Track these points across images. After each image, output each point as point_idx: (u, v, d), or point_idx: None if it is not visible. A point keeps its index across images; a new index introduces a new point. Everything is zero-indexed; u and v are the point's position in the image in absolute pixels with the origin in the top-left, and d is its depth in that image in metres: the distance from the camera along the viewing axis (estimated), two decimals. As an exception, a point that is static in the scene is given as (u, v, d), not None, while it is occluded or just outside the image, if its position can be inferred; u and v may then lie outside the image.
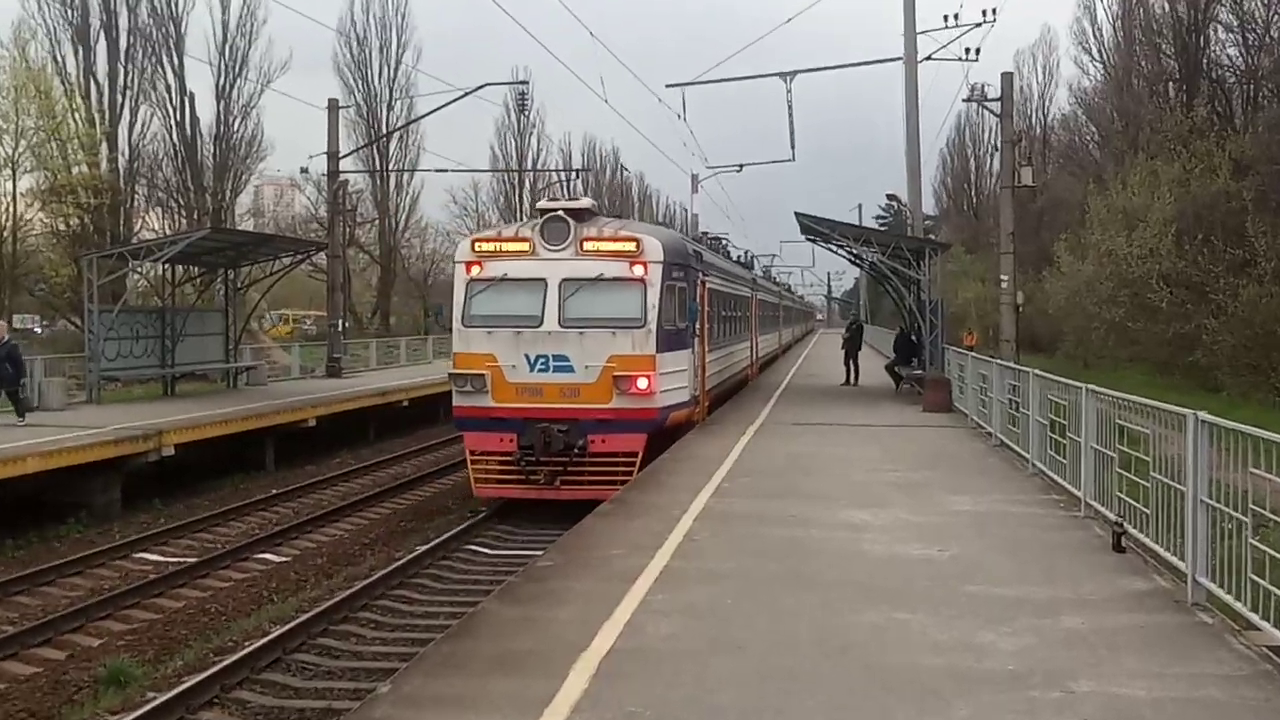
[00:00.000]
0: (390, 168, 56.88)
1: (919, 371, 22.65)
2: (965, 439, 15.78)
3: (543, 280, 15.80)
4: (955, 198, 74.71)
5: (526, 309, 15.79)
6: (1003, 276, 24.35)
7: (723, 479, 12.05)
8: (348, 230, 43.64)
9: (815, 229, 22.51)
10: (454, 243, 65.25)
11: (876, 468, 12.83)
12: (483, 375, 15.61)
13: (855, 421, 17.96)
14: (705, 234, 28.09)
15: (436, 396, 27.33)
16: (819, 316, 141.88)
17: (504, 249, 16.08)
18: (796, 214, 21.82)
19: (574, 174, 56.15)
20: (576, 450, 15.34)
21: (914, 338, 24.06)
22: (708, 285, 19.53)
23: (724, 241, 29.72)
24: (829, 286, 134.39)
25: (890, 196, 44.20)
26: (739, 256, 33.63)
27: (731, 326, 23.88)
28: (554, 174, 64.95)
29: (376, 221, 58.23)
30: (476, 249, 16.19)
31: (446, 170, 43.04)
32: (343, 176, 31.01)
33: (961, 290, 54.71)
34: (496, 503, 16.23)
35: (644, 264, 15.84)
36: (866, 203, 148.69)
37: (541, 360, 15.60)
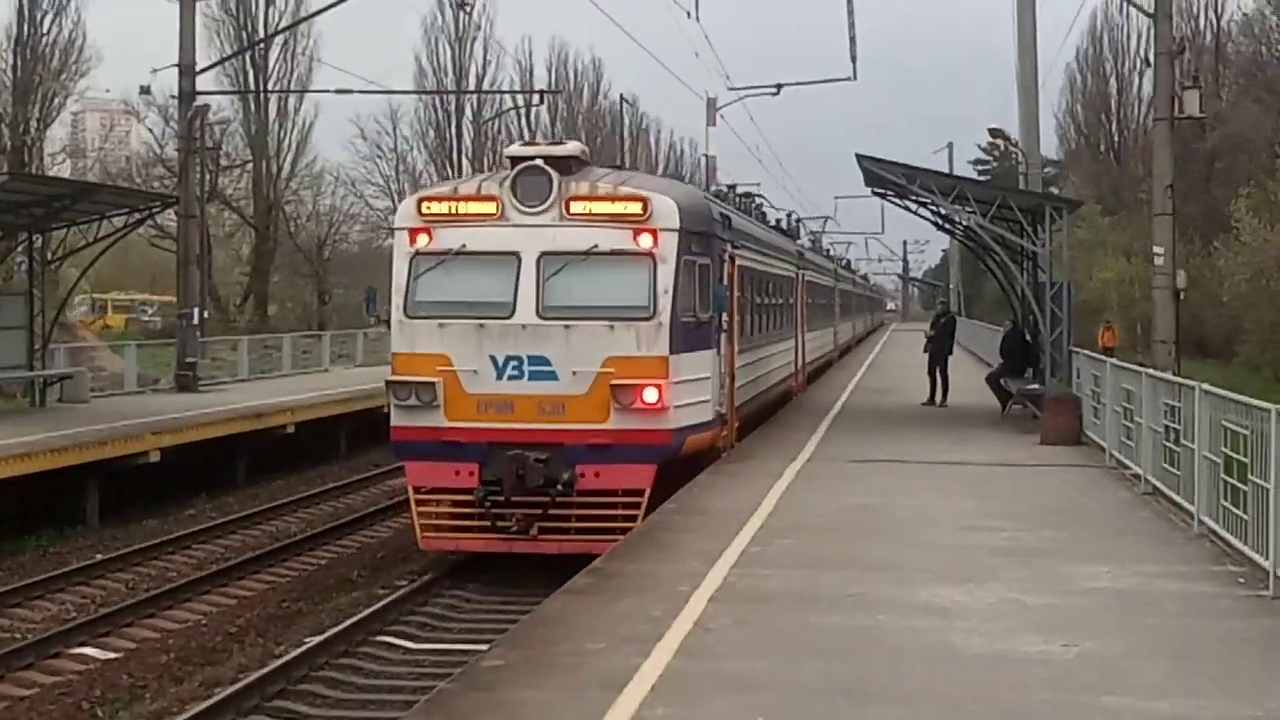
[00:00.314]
0: (270, 88, 57.28)
1: (1035, 386, 22.92)
2: (1101, 483, 16.21)
3: (515, 255, 16.36)
4: (1088, 134, 74.92)
5: (492, 294, 16.31)
6: (1156, 249, 24.42)
7: (751, 540, 12.32)
8: (208, 178, 43.69)
9: (885, 179, 22.84)
10: (361, 198, 66.18)
11: (973, 525, 13.15)
12: (432, 384, 16.25)
13: (942, 458, 18.33)
14: (730, 189, 28.82)
15: (335, 419, 28.50)
16: (890, 306, 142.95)
17: (462, 211, 16.60)
18: (859, 157, 22.14)
19: (537, 98, 56.12)
20: (560, 487, 15.89)
21: (1028, 337, 24.50)
22: (738, 262, 19.99)
23: (757, 200, 30.44)
24: (905, 262, 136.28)
25: (994, 133, 44.07)
26: (778, 220, 34.14)
27: (770, 319, 24.51)
28: (508, 98, 65.35)
29: (250, 166, 58.59)
30: (424, 211, 16.73)
31: (351, 91, 43.00)
32: (200, 100, 31.00)
33: (1097, 268, 55.01)
34: (452, 558, 16.96)
35: (653, 232, 16.36)
36: (960, 142, 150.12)
37: (513, 364, 16.14)
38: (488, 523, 16.17)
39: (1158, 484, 14.68)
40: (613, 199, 16.46)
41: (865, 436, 20.99)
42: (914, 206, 24.65)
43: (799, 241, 36.93)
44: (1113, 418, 17.79)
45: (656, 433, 16.10)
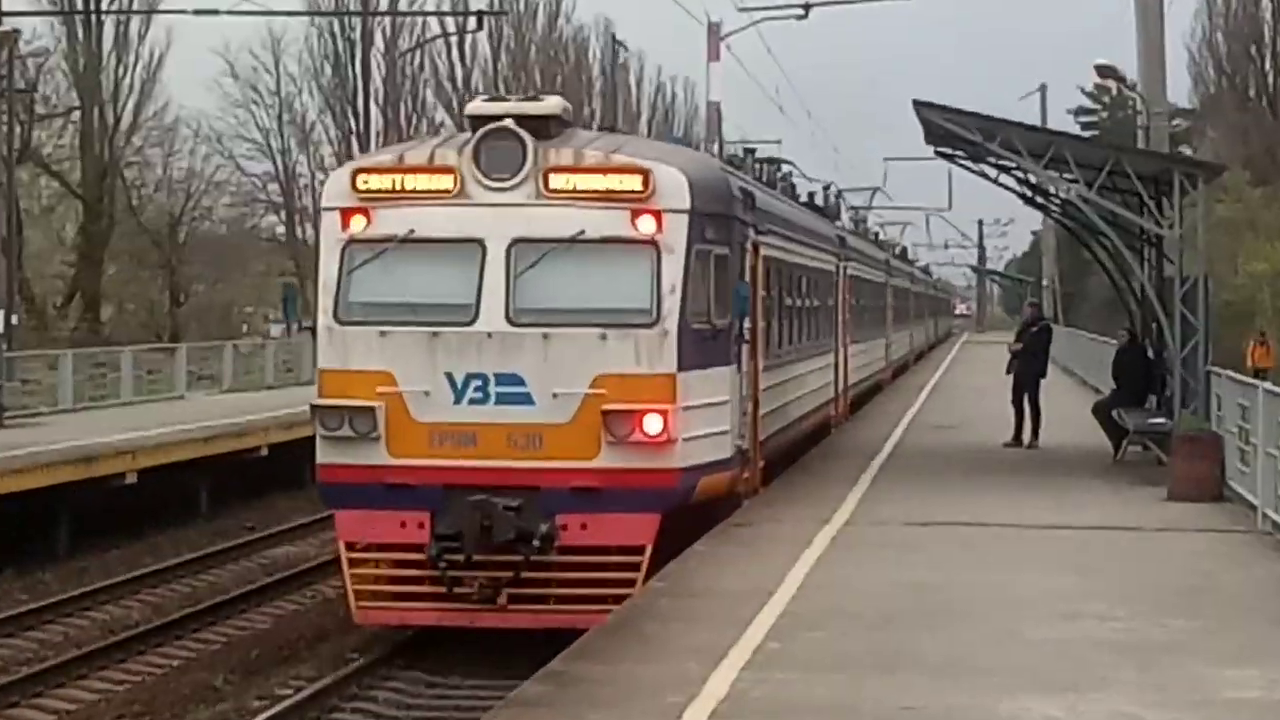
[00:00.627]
0: (105, 6, 57.43)
1: (1160, 420, 23.26)
2: (1250, 555, 16.32)
3: (478, 242, 16.99)
4: (1231, 73, 74.78)
5: (449, 293, 17.05)
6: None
7: (769, 632, 12.38)
8: (19, 131, 43.32)
9: (954, 135, 23.09)
10: (230, 159, 67.04)
11: (1074, 612, 13.25)
12: (371, 410, 16.82)
13: (1031, 519, 18.50)
14: (749, 153, 29.61)
15: (194, 466, 28.49)
16: (961, 309, 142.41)
17: (409, 187, 17.29)
18: (918, 106, 22.48)
19: (473, 21, 55.95)
20: (536, 542, 16.42)
21: (1150, 353, 24.95)
22: (763, 252, 20.77)
23: (785, 168, 31.54)
24: (981, 250, 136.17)
25: (1103, 72, 43.93)
26: (811, 195, 34.92)
27: (803, 327, 25.61)
28: (434, 22, 65.12)
29: (76, 115, 58.89)
30: (360, 186, 17.41)
31: (217, 13, 42.34)
32: (7, 24, 30.79)
33: (1245, 258, 55.08)
34: (388, 637, 17.71)
35: (657, 214, 16.94)
36: (1057, 84, 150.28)
37: (476, 384, 16.75)
38: (443, 589, 16.69)
39: (1330, 556, 14.69)
40: (604, 170, 17.00)
41: (925, 489, 21.17)
42: (993, 173, 24.85)
43: (839, 223, 37.69)
44: (1267, 464, 17.87)
45: (660, 473, 16.64)
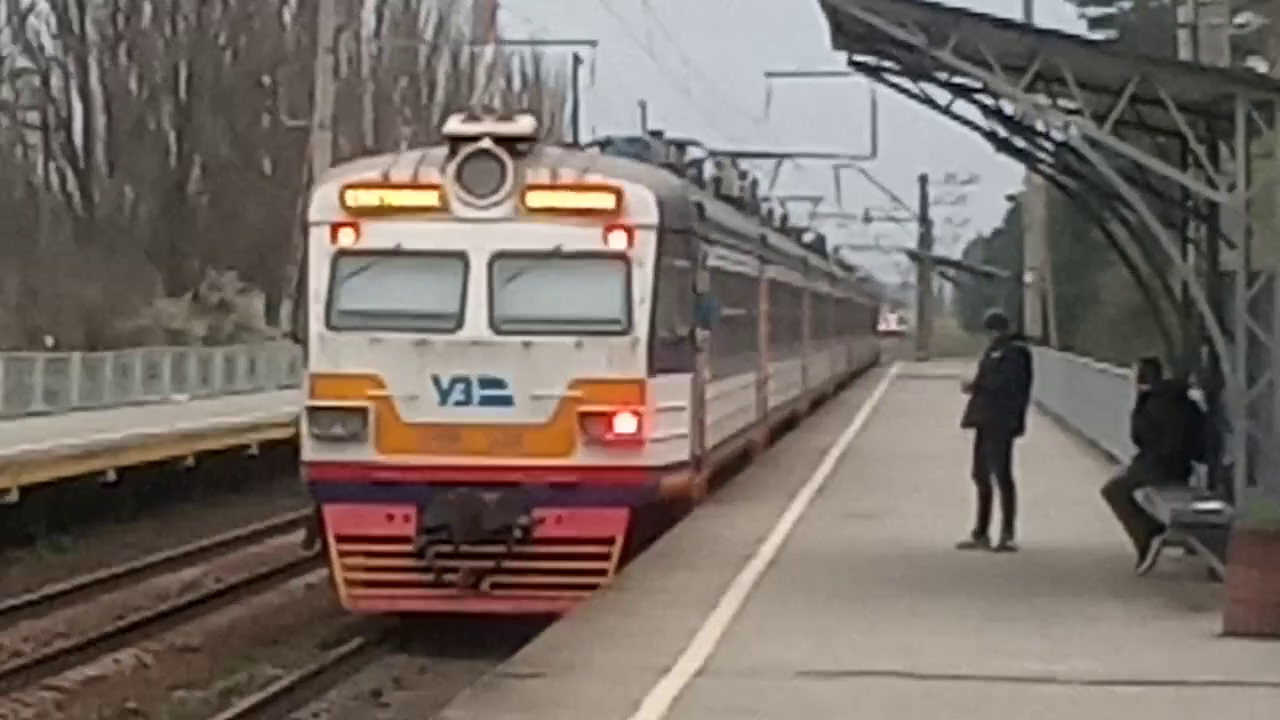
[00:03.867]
0: None
1: (1211, 506, 20.56)
2: None
3: (461, 255, 21.46)
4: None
5: (435, 303, 21.50)
6: None
7: None
8: None
9: (878, 31, 20.09)
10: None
11: None
12: (361, 411, 21.16)
13: (1004, 668, 16.16)
14: (675, 146, 31.47)
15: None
16: (890, 320, 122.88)
17: (395, 202, 21.80)
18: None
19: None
20: (517, 534, 20.78)
21: (1197, 394, 22.55)
22: (709, 262, 25.88)
23: (699, 154, 34.65)
24: (924, 224, 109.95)
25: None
26: (718, 179, 36.10)
27: (735, 338, 30.48)
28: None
29: None
30: (349, 202, 21.76)
31: None
32: None
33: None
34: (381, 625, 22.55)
35: (628, 230, 21.49)
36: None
37: (460, 387, 21.12)
38: (432, 576, 21.05)
39: None
40: (579, 189, 21.61)
41: (834, 615, 18.74)
42: (944, 99, 21.66)
43: (756, 215, 41.47)
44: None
45: (631, 470, 21.23)
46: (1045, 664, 16.12)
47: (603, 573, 20.44)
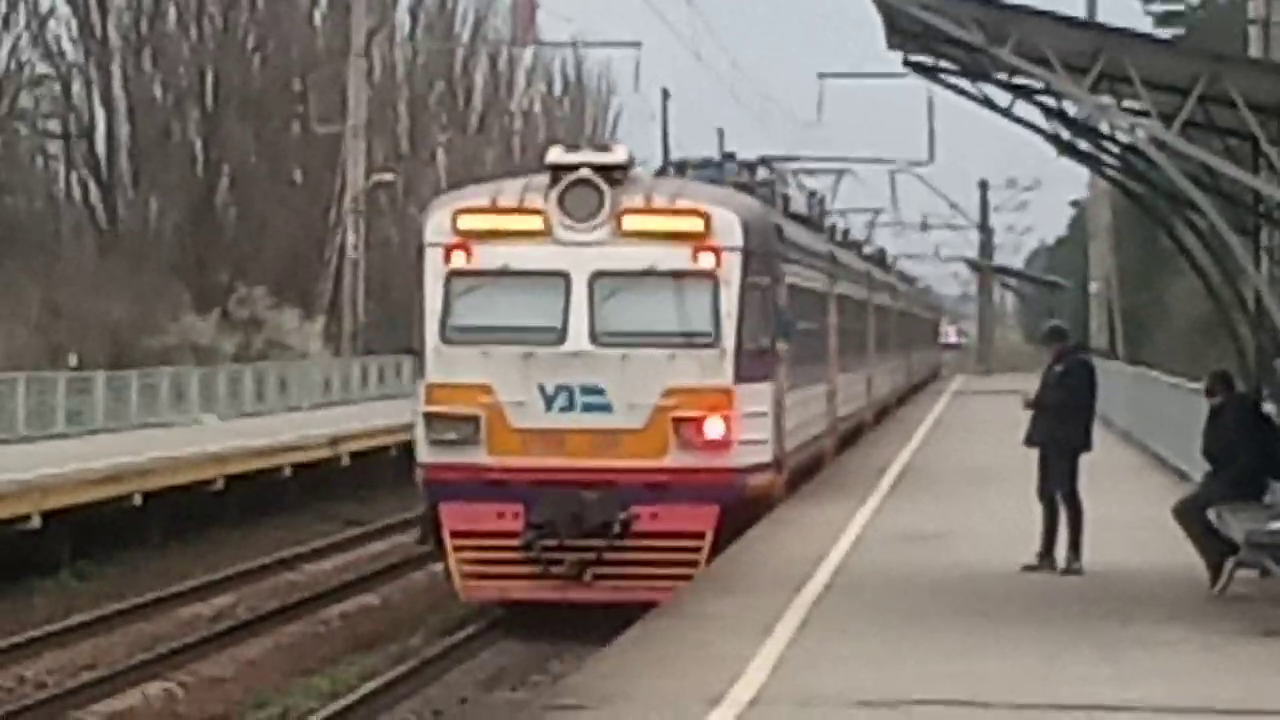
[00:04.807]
0: None
1: None
2: None
3: (564, 275, 24.40)
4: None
5: (540, 318, 24.50)
6: None
7: None
8: None
9: (935, 29, 19.90)
10: None
11: None
12: (474, 418, 24.19)
13: (1071, 697, 15.89)
14: (748, 169, 34.77)
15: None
16: (950, 333, 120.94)
17: (503, 226, 24.78)
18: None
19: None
20: (616, 529, 23.90)
21: (1265, 404, 22.63)
22: (786, 280, 28.66)
23: (774, 178, 36.27)
24: (984, 231, 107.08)
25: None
26: (787, 199, 36.61)
27: (808, 351, 32.70)
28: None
29: None
30: (460, 226, 24.76)
31: None
32: None
33: None
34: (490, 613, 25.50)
35: (716, 251, 24.47)
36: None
37: (564, 394, 24.17)
38: (539, 569, 23.87)
39: None
40: (670, 213, 24.51)
41: (891, 641, 18.46)
42: (1004, 100, 21.35)
43: (824, 232, 43.47)
44: None
45: (722, 471, 24.11)
46: (1116, 691, 15.99)
47: (695, 564, 23.20)
